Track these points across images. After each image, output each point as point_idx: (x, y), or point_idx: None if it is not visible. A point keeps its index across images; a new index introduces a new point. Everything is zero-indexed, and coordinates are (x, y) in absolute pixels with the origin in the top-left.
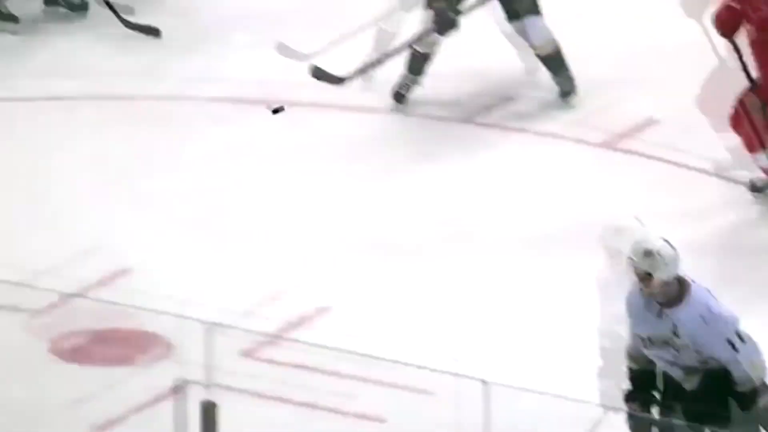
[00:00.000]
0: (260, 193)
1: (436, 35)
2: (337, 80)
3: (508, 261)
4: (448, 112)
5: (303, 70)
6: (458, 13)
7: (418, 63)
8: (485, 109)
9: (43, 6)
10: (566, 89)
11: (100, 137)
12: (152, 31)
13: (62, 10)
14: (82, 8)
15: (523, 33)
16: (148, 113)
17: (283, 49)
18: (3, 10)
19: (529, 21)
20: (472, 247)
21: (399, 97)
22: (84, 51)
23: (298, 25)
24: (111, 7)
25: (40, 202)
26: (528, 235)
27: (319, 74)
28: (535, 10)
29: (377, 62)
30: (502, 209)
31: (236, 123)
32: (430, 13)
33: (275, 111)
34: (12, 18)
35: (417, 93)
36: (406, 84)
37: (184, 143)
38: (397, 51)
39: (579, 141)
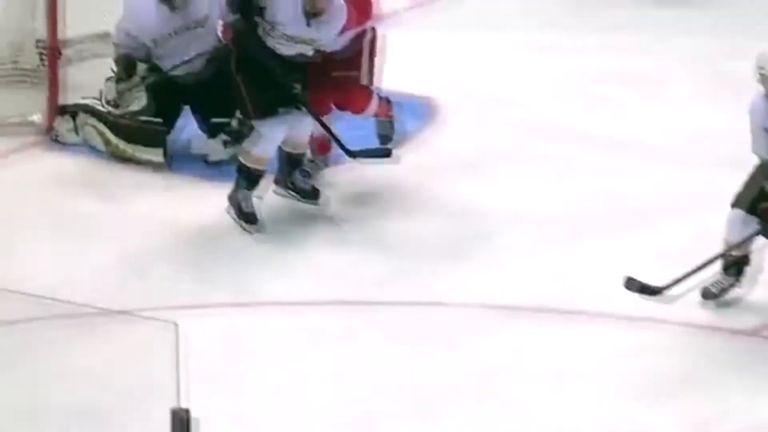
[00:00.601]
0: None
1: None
2: (653, 291)
3: None
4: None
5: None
6: None
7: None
8: None
9: (273, 187)
10: None
11: (344, 348)
12: (385, 152)
13: (292, 195)
14: (313, 196)
15: None
16: (401, 322)
17: (632, 284)
18: (244, 208)
19: None
20: None
21: (711, 295)
22: (322, 253)
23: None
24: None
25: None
26: None
27: (631, 285)
28: None
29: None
30: None
31: (506, 335)
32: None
33: None
34: (252, 219)
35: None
36: (721, 285)
37: (447, 357)
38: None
39: None
